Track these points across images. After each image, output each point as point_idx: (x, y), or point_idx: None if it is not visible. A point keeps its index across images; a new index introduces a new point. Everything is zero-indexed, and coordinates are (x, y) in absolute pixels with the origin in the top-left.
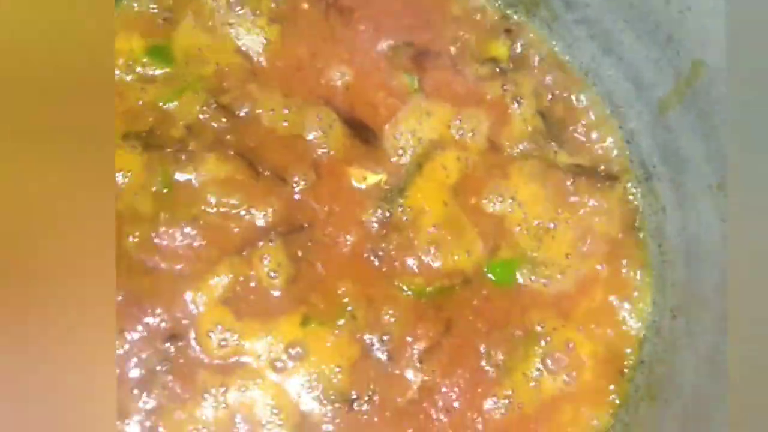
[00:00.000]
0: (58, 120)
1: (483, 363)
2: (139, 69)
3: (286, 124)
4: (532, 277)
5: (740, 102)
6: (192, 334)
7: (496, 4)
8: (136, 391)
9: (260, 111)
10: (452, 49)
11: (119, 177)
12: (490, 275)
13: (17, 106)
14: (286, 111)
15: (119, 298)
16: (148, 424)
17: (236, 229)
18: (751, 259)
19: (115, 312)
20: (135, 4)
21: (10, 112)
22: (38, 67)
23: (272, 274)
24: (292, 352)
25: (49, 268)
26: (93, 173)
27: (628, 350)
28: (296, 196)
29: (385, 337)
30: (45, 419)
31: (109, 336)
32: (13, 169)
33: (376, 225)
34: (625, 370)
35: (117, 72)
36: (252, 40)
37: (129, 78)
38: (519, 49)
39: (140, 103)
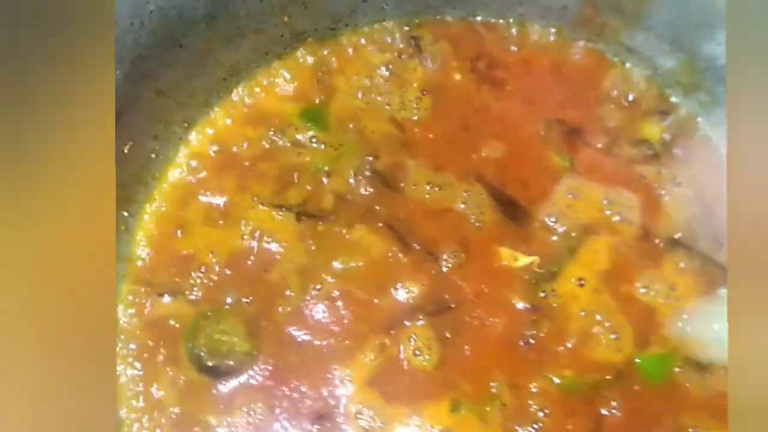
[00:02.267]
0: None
1: None
2: (295, 135)
3: (432, 197)
4: (687, 374)
5: None
6: (341, 416)
7: (654, 83)
8: None
9: (410, 182)
10: (604, 129)
11: (275, 247)
12: (642, 370)
13: None
14: (429, 187)
15: (266, 372)
16: None
17: (385, 306)
18: None
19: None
20: (285, 73)
21: None
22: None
23: (419, 354)
24: None
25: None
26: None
27: None
28: (444, 273)
29: (534, 428)
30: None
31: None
32: None
33: (526, 309)
34: None
35: (270, 132)
36: (404, 109)
37: (281, 142)
38: (673, 132)
39: (294, 167)
